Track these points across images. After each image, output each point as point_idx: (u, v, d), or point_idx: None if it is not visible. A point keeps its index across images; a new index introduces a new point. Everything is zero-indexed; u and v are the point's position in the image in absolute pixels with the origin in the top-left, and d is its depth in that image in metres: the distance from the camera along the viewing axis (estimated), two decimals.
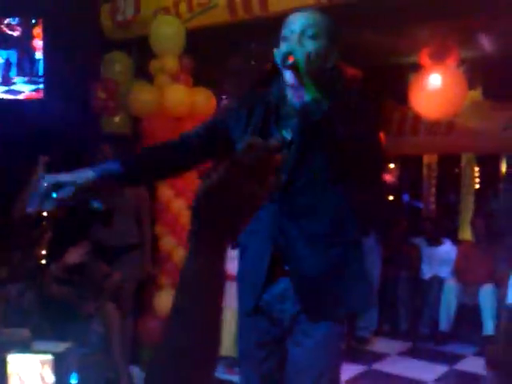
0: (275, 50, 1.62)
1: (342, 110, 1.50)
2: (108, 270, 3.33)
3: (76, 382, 1.54)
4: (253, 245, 1.67)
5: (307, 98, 1.54)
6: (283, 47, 1.59)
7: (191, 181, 3.72)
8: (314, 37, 1.58)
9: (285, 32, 1.61)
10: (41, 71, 3.56)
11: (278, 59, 1.60)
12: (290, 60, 1.55)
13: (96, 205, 1.63)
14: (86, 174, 1.58)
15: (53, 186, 1.52)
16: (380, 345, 4.53)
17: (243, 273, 1.74)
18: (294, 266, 1.62)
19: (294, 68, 1.54)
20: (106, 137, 3.63)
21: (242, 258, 1.74)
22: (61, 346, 1.50)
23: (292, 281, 1.62)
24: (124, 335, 3.33)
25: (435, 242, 4.91)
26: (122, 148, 3.55)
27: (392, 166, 5.98)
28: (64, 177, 1.55)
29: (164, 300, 3.61)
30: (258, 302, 1.68)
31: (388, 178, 4.33)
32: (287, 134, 1.62)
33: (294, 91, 1.61)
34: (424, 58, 4.06)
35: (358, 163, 1.51)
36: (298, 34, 1.58)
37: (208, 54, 3.71)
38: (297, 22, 1.60)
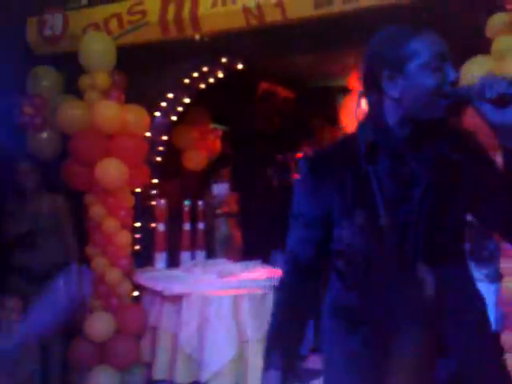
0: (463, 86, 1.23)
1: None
2: None
3: None
4: None
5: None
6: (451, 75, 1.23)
7: (124, 199, 3.64)
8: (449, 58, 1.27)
9: (429, 58, 1.23)
10: None
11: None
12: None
13: None
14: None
15: None
16: (317, 362, 4.55)
17: None
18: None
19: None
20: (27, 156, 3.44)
21: None
22: None
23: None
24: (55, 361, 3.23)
25: None
26: (45, 169, 3.41)
27: None
28: None
29: (95, 323, 3.47)
30: None
31: None
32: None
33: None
34: (352, 81, 4.20)
35: None
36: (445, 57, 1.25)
37: (140, 70, 3.68)
38: (437, 43, 1.26)
